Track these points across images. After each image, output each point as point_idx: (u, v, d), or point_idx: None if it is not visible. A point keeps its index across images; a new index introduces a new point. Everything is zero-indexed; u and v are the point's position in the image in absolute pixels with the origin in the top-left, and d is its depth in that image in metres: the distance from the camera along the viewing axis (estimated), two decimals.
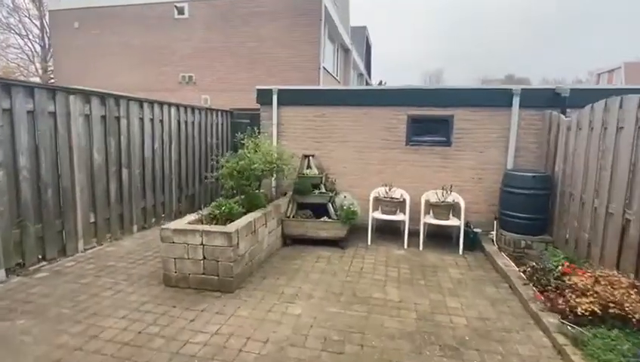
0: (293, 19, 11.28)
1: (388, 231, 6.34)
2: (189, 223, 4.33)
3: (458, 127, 6.06)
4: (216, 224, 4.34)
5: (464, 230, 5.54)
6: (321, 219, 5.70)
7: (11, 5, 27.21)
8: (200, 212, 4.70)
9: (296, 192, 5.97)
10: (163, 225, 4.17)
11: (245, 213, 4.84)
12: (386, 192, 6.10)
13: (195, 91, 12.06)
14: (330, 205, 5.95)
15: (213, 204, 4.85)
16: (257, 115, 9.78)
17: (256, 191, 5.33)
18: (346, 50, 17.08)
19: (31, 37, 27.80)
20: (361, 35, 24.98)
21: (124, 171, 6.02)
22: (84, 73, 12.56)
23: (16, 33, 27.41)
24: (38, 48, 28.34)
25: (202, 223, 4.36)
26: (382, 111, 6.34)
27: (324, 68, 11.75)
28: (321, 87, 6.44)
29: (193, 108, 8.01)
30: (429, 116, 6.16)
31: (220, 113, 9.20)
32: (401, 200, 5.95)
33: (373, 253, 5.43)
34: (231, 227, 4.03)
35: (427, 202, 5.87)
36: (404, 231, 5.82)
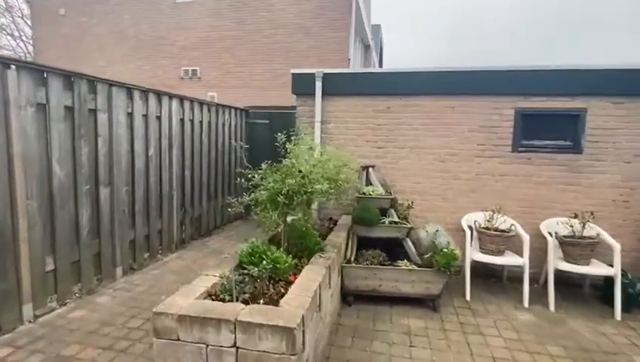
0: (319, 3, 9.46)
1: (482, 275, 4.40)
2: (207, 297, 2.38)
3: (593, 126, 4.16)
4: (254, 294, 2.39)
5: (621, 281, 3.62)
6: (403, 265, 3.75)
7: (4, 5, 25.50)
8: (225, 272, 2.74)
9: (358, 221, 4.03)
10: (157, 310, 2.18)
11: (297, 265, 2.93)
12: (488, 221, 4.18)
13: (200, 88, 10.17)
14: (408, 242, 4.01)
15: (245, 249, 2.92)
16: (278, 115, 7.94)
17: (307, 222, 3.41)
18: (367, 47, 15.25)
19: (24, 38, 26.05)
20: (375, 33, 23.30)
21: (104, 190, 4.08)
22: (69, 66, 10.69)
23: (8, 34, 25.68)
24: (31, 49, 26.57)
25: (232, 297, 2.38)
26: (476, 104, 4.43)
27: (350, 61, 9.91)
28: (386, 69, 4.57)
29: (201, 104, 6.09)
30: (549, 110, 4.26)
31: (233, 111, 7.29)
32: (512, 233, 4.02)
33: (486, 320, 3.49)
34: (292, 315, 2.07)
35: (555, 237, 3.97)
36: (522, 281, 3.90)
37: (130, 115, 4.44)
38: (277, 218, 3.09)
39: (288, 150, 3.38)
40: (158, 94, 4.94)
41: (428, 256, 3.70)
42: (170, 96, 5.20)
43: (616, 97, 4.06)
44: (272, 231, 3.43)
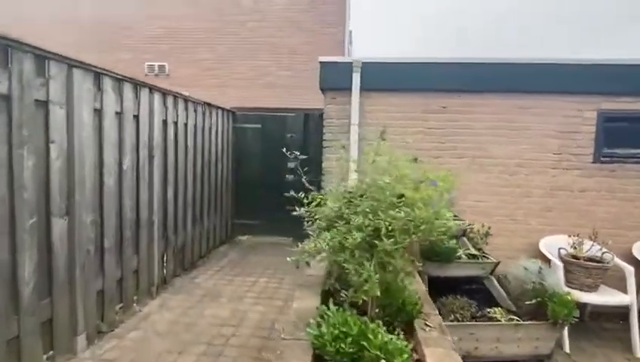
0: None
1: None
2: None
3: None
4: None
5: None
6: (499, 316, 2.79)
7: None
8: None
9: (430, 256, 3.02)
10: None
11: (401, 343, 1.83)
12: (575, 247, 3.37)
13: (168, 87, 8.67)
14: (493, 281, 3.06)
15: (327, 331, 1.77)
16: (272, 119, 6.71)
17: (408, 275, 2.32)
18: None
19: None
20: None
21: (58, 223, 2.70)
22: None
23: None
24: None
25: None
26: (552, 104, 3.65)
27: None
28: (441, 58, 3.69)
29: (187, 102, 4.80)
30: (635, 113, 3.58)
31: (220, 113, 6.01)
32: (609, 263, 3.24)
33: None
34: None
35: None
36: (606, 318, 3.12)
37: (99, 113, 3.09)
38: (371, 272, 1.98)
39: (367, 160, 2.29)
40: (136, 85, 3.62)
41: (532, 302, 2.77)
42: (151, 89, 3.89)
43: None
44: (330, 285, 2.32)
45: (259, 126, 6.69)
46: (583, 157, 3.63)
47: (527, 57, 3.54)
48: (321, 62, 3.79)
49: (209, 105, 5.50)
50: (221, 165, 6.11)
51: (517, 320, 2.73)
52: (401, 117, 3.76)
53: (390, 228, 1.94)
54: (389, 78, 3.72)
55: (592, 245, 3.34)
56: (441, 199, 2.08)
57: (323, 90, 3.86)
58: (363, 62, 3.63)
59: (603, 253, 3.31)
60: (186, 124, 4.75)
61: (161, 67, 9.13)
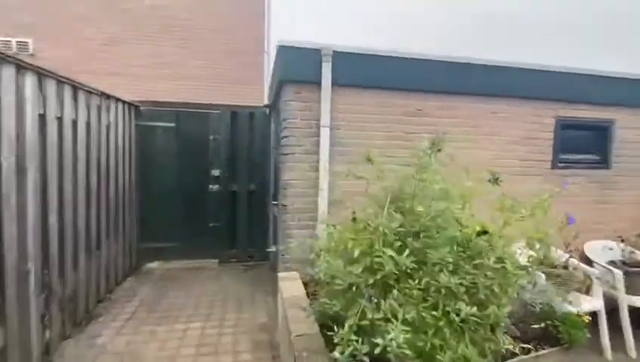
0: None
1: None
2: None
3: (620, 140, 3.84)
4: None
5: None
6: (526, 350, 2.44)
7: None
8: None
9: None
10: None
11: None
12: (542, 255, 3.31)
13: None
14: None
15: None
16: (190, 116, 5.43)
17: None
18: None
19: None
20: None
21: None
22: None
23: None
24: None
25: None
26: (518, 110, 3.57)
27: (266, 57, 8.17)
28: (420, 54, 3.26)
29: (77, 89, 3.42)
30: (584, 120, 3.75)
31: (120, 107, 4.61)
32: (572, 268, 3.28)
33: None
34: None
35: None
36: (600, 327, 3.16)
37: None
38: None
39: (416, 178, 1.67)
40: None
41: (540, 325, 2.52)
42: (19, 67, 2.53)
43: (638, 109, 3.84)
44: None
45: (172, 125, 5.41)
46: (543, 163, 3.66)
47: (498, 60, 3.38)
48: (279, 47, 2.99)
49: (107, 96, 4.11)
50: (122, 175, 4.70)
51: (531, 349, 2.44)
52: (377, 119, 3.23)
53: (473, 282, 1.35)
54: (364, 73, 3.14)
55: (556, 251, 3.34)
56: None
57: (282, 82, 3.07)
58: (334, 51, 2.96)
59: (571, 260, 3.33)
60: (75, 122, 3.37)
61: (23, 45, 6.87)
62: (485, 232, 1.78)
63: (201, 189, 5.54)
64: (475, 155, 3.48)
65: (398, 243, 1.62)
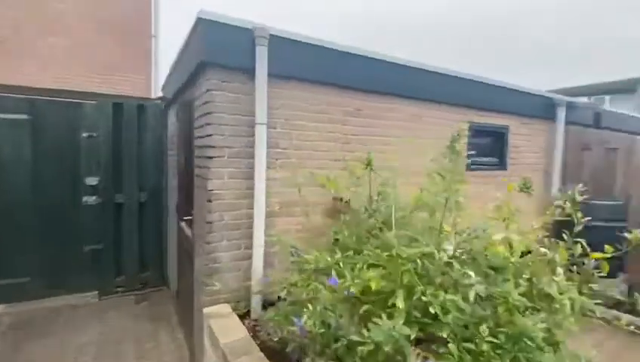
0: None
1: None
2: None
3: (512, 144, 4.35)
4: None
5: None
6: None
7: None
8: None
9: None
10: None
11: None
12: None
13: None
14: None
15: None
16: (53, 107, 3.96)
17: None
18: None
19: None
20: None
21: None
22: None
23: None
24: None
25: None
26: (442, 114, 3.67)
27: (153, 40, 6.89)
28: (365, 51, 2.96)
29: None
30: (488, 126, 4.10)
31: None
32: None
33: None
34: None
35: None
36: None
37: None
38: None
39: None
40: None
41: None
42: None
43: (524, 117, 4.42)
44: None
45: (24, 117, 3.99)
46: (460, 165, 3.86)
47: (428, 65, 3.40)
48: (200, 21, 2.33)
49: None
50: None
51: None
52: (316, 117, 2.85)
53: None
54: (304, 64, 2.71)
55: None
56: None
57: (205, 66, 2.42)
58: (272, 35, 2.46)
59: None
60: None
61: None
62: (529, 252, 1.59)
63: (71, 203, 4.26)
64: (412, 160, 3.43)
65: (438, 279, 1.29)
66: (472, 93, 3.83)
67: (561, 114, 4.59)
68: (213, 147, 2.44)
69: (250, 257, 2.58)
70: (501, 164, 4.28)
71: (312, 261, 1.75)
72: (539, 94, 4.49)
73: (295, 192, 2.75)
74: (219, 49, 2.37)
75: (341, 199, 2.81)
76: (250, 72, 2.47)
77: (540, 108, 4.52)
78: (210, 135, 2.43)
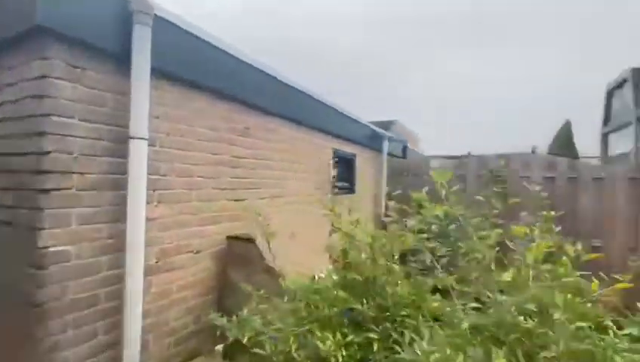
0: None
1: None
2: None
3: (358, 170, 4.79)
4: None
5: None
6: None
7: None
8: None
9: None
10: None
11: None
12: None
13: None
14: None
15: None
16: None
17: None
18: None
19: None
20: None
21: None
22: None
23: None
24: None
25: None
26: (316, 139, 3.61)
27: None
28: (263, 65, 2.35)
29: None
30: (344, 153, 4.35)
31: None
32: None
33: None
34: None
35: None
36: None
37: None
38: None
39: None
40: None
41: None
42: None
43: (364, 147, 4.96)
44: None
45: None
46: (326, 190, 3.91)
47: (305, 87, 3.27)
48: None
49: None
50: None
51: None
52: (206, 136, 2.17)
53: None
54: (197, 64, 2.01)
55: None
56: None
57: (41, 31, 1.42)
58: (156, 15, 1.70)
59: None
60: None
61: None
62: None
63: None
64: (295, 186, 3.18)
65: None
66: (334, 121, 3.98)
67: (385, 145, 5.46)
68: (51, 173, 1.44)
69: (117, 345, 1.65)
70: (351, 189, 4.63)
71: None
72: (373, 127, 5.18)
73: (180, 235, 2.00)
74: (71, 12, 1.45)
75: (241, 238, 2.24)
76: (123, 60, 1.63)
77: (373, 139, 5.22)
78: (46, 153, 1.43)
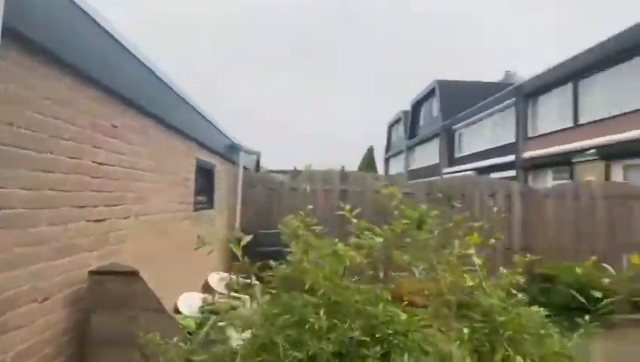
0: None
1: None
2: None
3: (217, 183, 4.43)
4: None
5: None
6: None
7: None
8: None
9: None
10: None
11: None
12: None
13: None
14: None
15: None
16: None
17: None
18: None
19: None
20: None
21: None
22: None
23: None
24: None
25: None
26: (183, 147, 3.11)
27: None
28: (138, 51, 1.59)
29: None
30: (205, 164, 3.93)
31: None
32: None
33: None
34: None
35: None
36: None
37: None
38: None
39: None
40: None
41: None
42: None
43: (222, 158, 4.62)
44: None
45: None
46: (189, 206, 3.44)
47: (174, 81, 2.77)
48: None
49: None
50: None
51: None
52: (60, 130, 1.52)
53: None
54: (58, 27, 1.38)
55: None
56: None
57: None
58: None
59: None
60: None
61: None
62: None
63: None
64: (161, 201, 2.63)
65: None
66: (199, 127, 3.57)
67: (242, 157, 5.30)
68: None
69: None
70: (209, 203, 4.25)
71: None
72: (230, 137, 4.92)
73: (18, 277, 1.35)
74: None
75: (116, 271, 1.68)
76: None
77: (230, 150, 4.96)
78: None
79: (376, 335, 1.12)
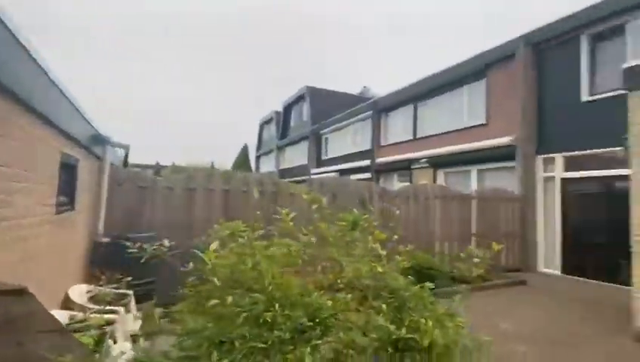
0: None
1: None
2: None
3: (80, 180, 3.77)
4: None
5: None
6: None
7: None
8: None
9: None
10: None
11: None
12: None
13: None
14: None
15: None
16: None
17: None
18: None
19: None
20: None
21: None
22: None
23: None
24: None
25: None
26: (49, 138, 2.57)
27: None
28: None
29: None
30: (68, 159, 3.31)
31: None
32: None
33: None
34: None
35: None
36: None
37: None
38: None
39: None
40: None
41: None
42: None
43: (85, 149, 3.96)
44: None
45: None
46: (49, 208, 2.86)
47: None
48: None
49: None
50: None
51: None
52: None
53: None
54: None
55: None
56: None
57: None
58: None
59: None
60: None
61: None
62: None
63: None
64: (25, 204, 2.15)
65: None
66: (66, 114, 3.00)
67: (109, 151, 4.63)
68: None
69: None
70: (71, 204, 3.60)
71: None
72: (96, 128, 4.23)
73: None
74: None
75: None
76: None
77: (95, 142, 4.29)
78: None
79: (316, 320, 1.30)
